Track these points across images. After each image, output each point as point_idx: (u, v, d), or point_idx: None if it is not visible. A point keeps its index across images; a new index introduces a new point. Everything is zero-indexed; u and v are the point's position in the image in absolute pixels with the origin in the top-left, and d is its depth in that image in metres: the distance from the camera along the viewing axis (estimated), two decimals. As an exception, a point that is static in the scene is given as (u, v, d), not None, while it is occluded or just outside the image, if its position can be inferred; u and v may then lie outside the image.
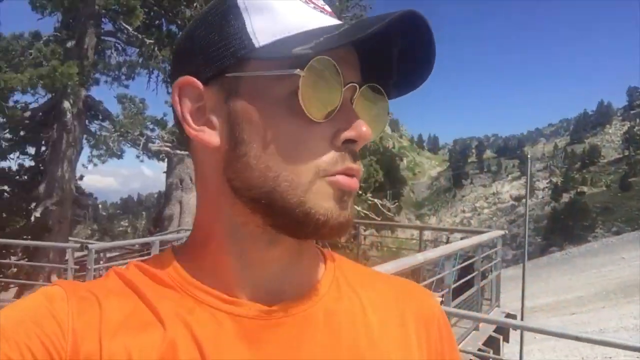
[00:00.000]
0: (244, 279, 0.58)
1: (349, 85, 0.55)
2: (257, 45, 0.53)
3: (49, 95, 11.24)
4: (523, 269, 8.64)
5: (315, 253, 0.66)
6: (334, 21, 0.57)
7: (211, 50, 0.56)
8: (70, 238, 11.56)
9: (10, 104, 10.89)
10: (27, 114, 11.54)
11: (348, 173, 0.55)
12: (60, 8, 10.41)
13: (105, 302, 0.54)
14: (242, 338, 0.55)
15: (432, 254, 5.17)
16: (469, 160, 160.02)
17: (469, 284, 7.21)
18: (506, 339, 7.23)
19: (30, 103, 11.77)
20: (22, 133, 12.36)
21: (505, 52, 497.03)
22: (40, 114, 11.87)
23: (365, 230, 14.62)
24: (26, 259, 11.81)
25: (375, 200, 16.69)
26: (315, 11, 0.56)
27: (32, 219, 11.19)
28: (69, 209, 11.95)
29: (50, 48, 10.21)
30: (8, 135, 12.06)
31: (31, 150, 12.99)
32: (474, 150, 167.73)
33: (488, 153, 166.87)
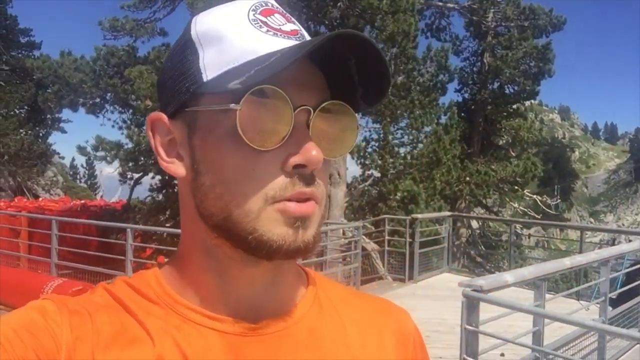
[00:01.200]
0: (225, 296, 0.59)
1: (300, 108, 0.54)
2: (205, 80, 0.55)
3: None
4: None
5: (297, 271, 0.67)
6: (288, 42, 0.56)
7: (172, 86, 0.59)
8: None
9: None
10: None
11: (299, 198, 0.55)
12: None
13: (97, 316, 0.56)
14: (228, 354, 0.57)
15: (582, 258, 4.66)
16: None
17: (635, 293, 6.35)
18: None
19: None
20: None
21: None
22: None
23: (522, 229, 13.68)
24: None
25: (534, 196, 15.49)
26: (267, 35, 0.56)
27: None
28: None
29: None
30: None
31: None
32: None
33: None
